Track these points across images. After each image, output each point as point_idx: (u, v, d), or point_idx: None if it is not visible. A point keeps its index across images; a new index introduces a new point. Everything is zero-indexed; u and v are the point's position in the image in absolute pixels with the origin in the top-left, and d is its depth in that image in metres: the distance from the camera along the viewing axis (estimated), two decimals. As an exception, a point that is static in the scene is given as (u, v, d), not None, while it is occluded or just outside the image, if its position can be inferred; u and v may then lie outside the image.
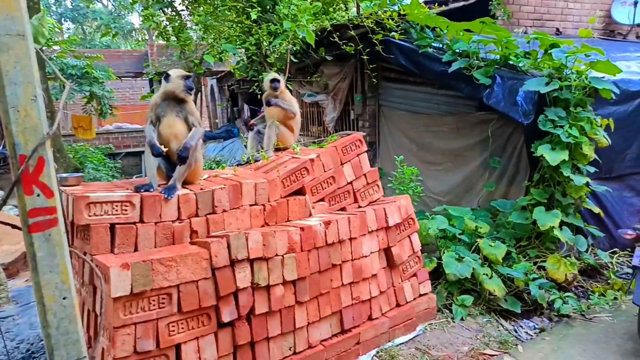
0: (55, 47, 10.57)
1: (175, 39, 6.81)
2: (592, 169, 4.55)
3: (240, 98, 13.92)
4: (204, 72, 7.82)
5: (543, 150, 4.33)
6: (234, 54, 6.92)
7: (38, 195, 1.59)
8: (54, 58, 10.03)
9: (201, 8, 6.79)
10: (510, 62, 5.02)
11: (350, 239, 3.42)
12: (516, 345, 3.67)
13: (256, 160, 3.94)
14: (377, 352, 3.54)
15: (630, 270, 4.62)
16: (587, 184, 4.49)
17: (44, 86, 8.11)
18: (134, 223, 2.75)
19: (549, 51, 4.75)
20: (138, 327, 2.48)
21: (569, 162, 4.35)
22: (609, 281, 4.55)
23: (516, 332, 3.87)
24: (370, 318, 3.60)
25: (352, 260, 3.44)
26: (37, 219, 1.59)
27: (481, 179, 5.50)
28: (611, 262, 4.79)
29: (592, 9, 8.14)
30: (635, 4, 7.92)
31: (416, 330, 3.83)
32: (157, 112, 3.10)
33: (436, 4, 6.33)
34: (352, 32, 5.77)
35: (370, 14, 5.79)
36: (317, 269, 3.21)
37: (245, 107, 13.46)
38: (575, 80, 4.49)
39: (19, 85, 1.53)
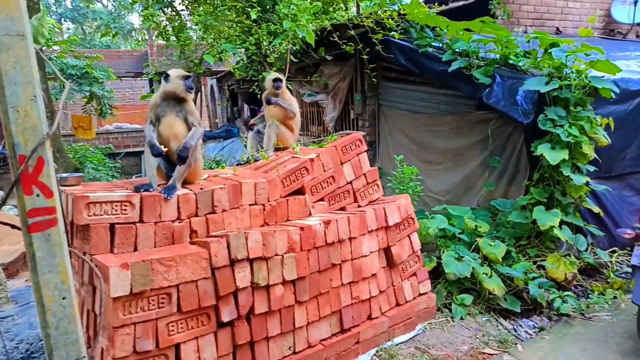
0: (55, 47, 10.57)
1: (175, 39, 6.81)
2: (592, 168, 4.55)
3: (240, 98, 13.92)
4: (203, 72, 7.83)
5: (543, 150, 4.33)
6: (234, 54, 6.92)
7: (37, 195, 1.59)
8: (54, 58, 10.03)
9: (201, 8, 6.79)
10: (510, 62, 5.02)
11: (350, 239, 3.42)
12: (516, 344, 3.67)
13: (256, 160, 3.94)
14: (377, 352, 3.54)
15: (629, 270, 4.61)
16: (587, 183, 4.49)
17: (44, 86, 8.11)
18: (134, 223, 2.75)
19: (549, 50, 4.75)
20: (137, 327, 2.48)
21: (568, 161, 4.35)
22: (608, 280, 4.56)
23: (516, 331, 3.87)
24: (369, 317, 3.60)
25: (352, 259, 3.44)
26: (36, 219, 1.59)
27: (481, 178, 5.51)
28: (611, 261, 4.79)
29: (592, 8, 8.13)
30: (635, 3, 7.92)
31: (416, 330, 3.83)
32: (157, 112, 3.10)
33: (436, 4, 6.33)
34: (352, 32, 5.77)
35: (370, 14, 5.79)
36: (316, 268, 3.21)
37: (245, 106, 13.47)
38: (575, 80, 4.49)
39: (19, 86, 1.53)
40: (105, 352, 2.50)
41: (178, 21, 6.86)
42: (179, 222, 2.91)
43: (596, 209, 4.71)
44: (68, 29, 28.38)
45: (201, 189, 3.03)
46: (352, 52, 6.03)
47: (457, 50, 5.15)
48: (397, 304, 3.82)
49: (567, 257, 4.35)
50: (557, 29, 7.81)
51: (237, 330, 2.85)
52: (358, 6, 7.26)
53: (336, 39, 5.84)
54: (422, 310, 3.94)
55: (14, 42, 1.51)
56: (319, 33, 6.09)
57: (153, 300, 2.54)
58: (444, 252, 4.28)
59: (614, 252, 4.97)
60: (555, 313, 4.05)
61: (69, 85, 2.19)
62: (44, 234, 1.60)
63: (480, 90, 4.86)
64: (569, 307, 4.03)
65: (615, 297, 4.31)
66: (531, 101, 4.61)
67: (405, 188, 4.92)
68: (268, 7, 6.34)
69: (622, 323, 3.89)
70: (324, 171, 3.67)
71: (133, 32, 27.17)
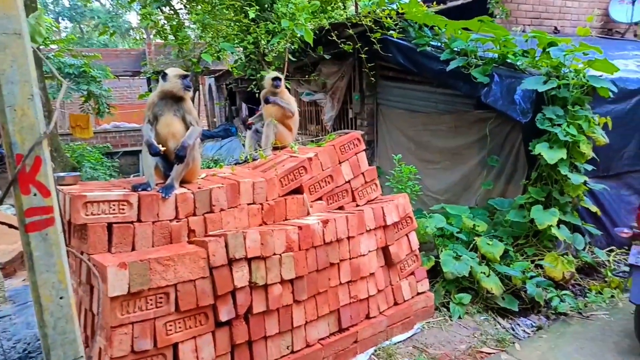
0: (53, 46, 10.55)
1: (173, 38, 6.80)
2: (589, 168, 4.56)
3: (238, 97, 13.90)
4: (201, 71, 7.83)
5: (541, 149, 4.33)
6: (232, 53, 6.92)
7: (35, 195, 1.58)
8: (52, 57, 10.01)
9: (199, 7, 6.78)
10: (508, 61, 5.03)
11: (348, 238, 3.42)
12: (513, 343, 3.68)
13: (254, 159, 3.94)
14: (375, 351, 3.54)
15: (627, 269, 4.63)
16: (585, 183, 4.49)
17: (41, 85, 8.09)
18: (132, 222, 2.74)
19: (547, 49, 4.76)
20: (135, 326, 2.48)
21: (566, 160, 4.35)
22: (606, 279, 4.56)
23: (513, 330, 3.87)
24: (368, 317, 3.60)
25: (350, 259, 3.44)
26: (33, 218, 1.58)
27: (479, 178, 5.51)
28: (608, 260, 4.80)
29: (590, 7, 8.14)
30: (633, 2, 7.93)
31: (414, 329, 3.83)
32: (155, 111, 3.09)
33: (434, 3, 6.34)
34: (351, 31, 5.77)
35: (369, 13, 5.79)
36: (315, 267, 3.21)
37: (243, 105, 13.45)
38: (573, 79, 4.49)
39: (16, 84, 1.52)
40: (103, 352, 2.50)
41: (176, 20, 6.86)
42: (177, 222, 2.90)
43: (594, 208, 4.72)
44: (66, 27, 28.30)
45: (199, 188, 3.02)
46: (351, 51, 6.03)
47: (456, 49, 5.15)
48: (395, 303, 3.82)
49: (565, 256, 4.36)
50: (555, 28, 7.82)
51: (235, 330, 2.85)
52: (356, 5, 7.26)
53: (334, 38, 5.84)
54: (420, 310, 3.94)
55: (10, 40, 1.50)
56: (317, 32, 6.09)
57: (151, 299, 2.54)
58: (442, 251, 4.29)
59: (611, 251, 4.98)
60: (553, 312, 4.06)
61: (66, 84, 2.18)
62: (42, 234, 1.59)
63: (479, 90, 4.86)
64: (566, 306, 4.04)
65: (612, 296, 4.32)
66: (529, 100, 4.62)
67: (403, 187, 4.93)
68: (266, 5, 6.33)
69: (619, 322, 3.90)
70: (322, 170, 3.67)
71: (131, 30, 27.10)
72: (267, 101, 4.17)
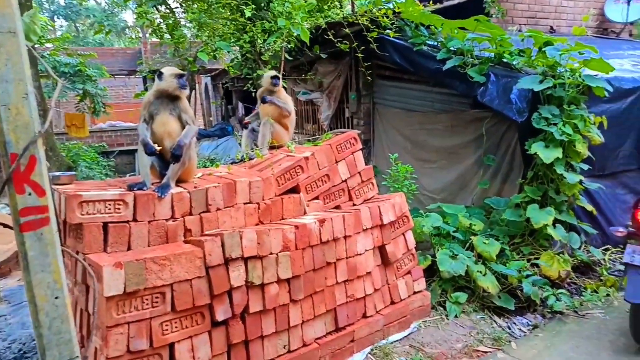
0: (48, 45, 10.50)
1: (169, 37, 6.77)
2: (585, 167, 4.58)
3: (234, 96, 13.89)
4: (198, 70, 7.80)
5: (537, 148, 4.34)
6: (228, 52, 6.91)
7: (29, 194, 1.57)
8: (47, 56, 9.96)
9: (195, 5, 6.75)
10: (505, 60, 5.03)
11: (345, 237, 3.42)
12: (510, 341, 3.69)
13: (250, 159, 3.93)
14: (372, 350, 3.54)
15: (622, 267, 4.65)
16: (581, 182, 4.51)
17: (36, 84, 8.05)
18: (127, 222, 2.73)
19: (543, 49, 4.77)
20: (131, 326, 2.47)
21: (562, 159, 4.37)
22: (601, 278, 4.59)
23: (510, 328, 3.89)
24: (364, 316, 3.61)
25: (347, 258, 3.44)
26: (28, 217, 1.57)
27: (475, 177, 5.52)
28: (604, 259, 4.82)
29: (585, 7, 8.17)
30: (629, 2, 7.95)
31: (410, 328, 3.84)
32: (150, 110, 3.08)
33: (431, 2, 6.33)
34: (347, 30, 5.76)
35: (365, 12, 5.78)
36: (311, 267, 3.20)
37: (240, 105, 13.44)
38: (568, 78, 4.51)
39: (10, 83, 1.51)
40: (98, 352, 2.49)
41: (172, 19, 6.83)
42: (173, 221, 2.89)
43: (589, 207, 4.74)
44: (61, 26, 28.20)
45: (195, 187, 3.01)
46: (347, 50, 6.02)
47: (452, 48, 5.16)
48: (392, 302, 3.82)
49: (561, 255, 4.38)
50: (551, 27, 7.84)
51: (231, 329, 2.84)
52: (353, 4, 7.26)
53: (331, 37, 5.83)
54: (417, 309, 3.95)
55: (5, 39, 1.49)
56: (313, 31, 6.08)
57: (147, 299, 2.53)
58: (438, 250, 4.29)
59: (607, 249, 5.00)
60: (549, 311, 4.07)
61: (61, 83, 2.16)
62: (36, 233, 1.59)
63: (475, 89, 4.87)
64: (562, 304, 4.06)
65: (608, 295, 4.34)
66: (525, 99, 4.63)
67: (400, 186, 4.93)
68: (262, 4, 6.32)
69: (614, 320, 3.92)
70: (319, 169, 3.67)
71: (127, 29, 27.02)
72: (263, 100, 4.16)
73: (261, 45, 6.29)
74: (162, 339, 2.57)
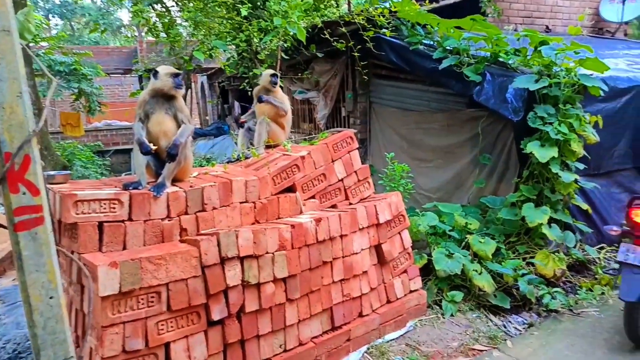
0: (43, 44, 10.44)
1: (165, 36, 6.76)
2: (581, 166, 4.59)
3: (230, 95, 13.86)
4: (194, 69, 7.80)
5: (532, 147, 4.36)
6: (225, 51, 6.89)
7: (24, 194, 1.56)
8: (42, 55, 9.91)
9: (191, 4, 6.74)
10: (500, 59, 5.05)
11: (341, 236, 3.42)
12: (505, 340, 3.70)
13: (247, 158, 3.92)
14: (368, 349, 3.55)
15: (617, 266, 4.67)
16: (576, 181, 4.52)
17: (31, 83, 8.00)
18: (123, 221, 2.72)
19: (539, 48, 4.78)
20: (127, 326, 2.46)
21: (558, 158, 4.38)
22: (596, 276, 4.60)
23: (505, 327, 3.90)
24: (360, 315, 3.61)
25: (343, 257, 3.44)
26: (22, 217, 1.56)
27: (471, 176, 5.53)
28: (599, 258, 4.84)
29: (581, 6, 8.21)
30: (624, 1, 7.99)
31: (406, 327, 3.84)
32: (146, 109, 3.07)
33: (427, 1, 6.35)
34: (343, 29, 5.76)
35: (362, 11, 5.78)
36: (307, 266, 3.20)
37: (236, 104, 13.41)
38: (564, 78, 4.52)
39: (4, 82, 1.50)
40: (94, 352, 2.48)
41: (168, 17, 6.82)
42: (169, 220, 2.88)
43: (585, 206, 4.76)
44: (56, 25, 28.05)
45: (191, 186, 3.00)
46: (343, 49, 6.03)
47: (448, 47, 5.17)
48: (388, 301, 3.83)
49: (556, 253, 4.39)
50: (547, 27, 7.87)
51: (227, 329, 2.84)
52: (349, 3, 7.27)
53: (327, 36, 5.83)
54: (413, 307, 3.95)
55: (-2, 37, 1.48)
56: (310, 30, 6.08)
57: (142, 299, 2.52)
58: (434, 249, 4.30)
59: (602, 248, 5.02)
60: (544, 309, 4.09)
61: (56, 82, 2.15)
62: (31, 233, 1.58)
63: (471, 88, 4.88)
64: (557, 303, 4.07)
65: (603, 293, 4.36)
66: (521, 99, 4.64)
67: (396, 185, 4.93)
68: (259, 3, 6.31)
69: (609, 319, 3.94)
70: (315, 169, 3.67)
71: (122, 28, 26.89)
72: (260, 100, 4.16)
73: (257, 44, 6.29)
74: (157, 339, 2.57)
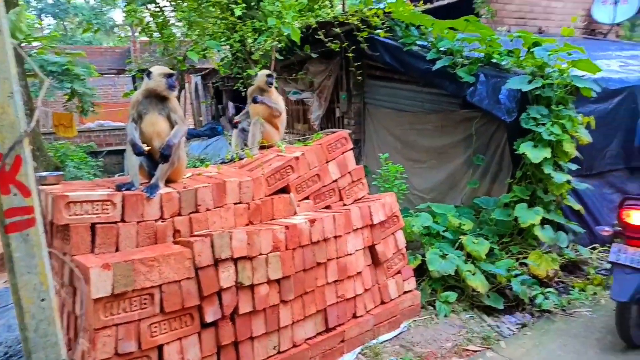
0: (35, 43, 10.36)
1: (159, 36, 6.74)
2: (573, 166, 4.62)
3: (224, 95, 13.83)
4: (187, 69, 7.77)
5: (525, 148, 4.38)
6: (218, 51, 6.88)
7: (15, 195, 1.55)
8: (34, 54, 9.83)
9: (185, 4, 6.72)
10: (494, 60, 5.07)
11: (335, 237, 3.41)
12: (499, 340, 3.71)
13: (240, 158, 3.91)
14: (362, 350, 3.55)
15: (609, 266, 4.70)
16: (569, 181, 4.55)
17: (23, 83, 7.93)
18: (115, 222, 2.70)
19: (532, 49, 4.81)
20: (119, 328, 2.45)
21: (550, 159, 4.40)
22: (588, 277, 4.63)
23: (499, 327, 3.91)
24: (354, 316, 3.61)
25: (337, 258, 3.44)
26: (14, 218, 1.55)
27: (465, 177, 5.55)
28: (591, 258, 4.87)
29: (574, 8, 8.26)
30: (616, 3, 8.06)
31: (400, 328, 3.84)
32: (139, 110, 3.05)
33: (421, 2, 6.36)
34: (338, 30, 5.77)
35: (356, 12, 5.79)
36: (302, 267, 3.20)
37: (230, 104, 13.38)
38: (557, 79, 4.54)
39: (-5, 82, 1.49)
40: (86, 355, 2.46)
41: (161, 17, 6.79)
42: (162, 222, 2.87)
43: (577, 207, 4.78)
44: (49, 24, 27.85)
45: (184, 187, 2.99)
46: (338, 50, 6.03)
47: (442, 48, 5.18)
48: (382, 302, 3.83)
49: (549, 254, 4.41)
50: (540, 28, 7.91)
51: (221, 331, 2.83)
52: (344, 4, 7.27)
53: (322, 36, 5.83)
54: (407, 308, 3.96)
55: (-11, 37, 1.47)
56: (304, 30, 6.08)
57: (135, 301, 2.50)
58: (428, 249, 4.31)
59: (594, 248, 5.05)
60: (537, 309, 4.11)
61: (48, 82, 2.13)
62: (22, 234, 1.57)
63: (464, 89, 4.90)
64: (550, 303, 4.09)
65: (595, 293, 4.38)
66: (514, 100, 4.66)
67: (390, 186, 4.94)
68: (253, 3, 6.30)
69: (601, 319, 3.97)
70: (309, 169, 3.66)
71: (115, 28, 26.75)
72: (254, 100, 4.15)
73: (251, 44, 6.28)
74: (150, 341, 2.55)
